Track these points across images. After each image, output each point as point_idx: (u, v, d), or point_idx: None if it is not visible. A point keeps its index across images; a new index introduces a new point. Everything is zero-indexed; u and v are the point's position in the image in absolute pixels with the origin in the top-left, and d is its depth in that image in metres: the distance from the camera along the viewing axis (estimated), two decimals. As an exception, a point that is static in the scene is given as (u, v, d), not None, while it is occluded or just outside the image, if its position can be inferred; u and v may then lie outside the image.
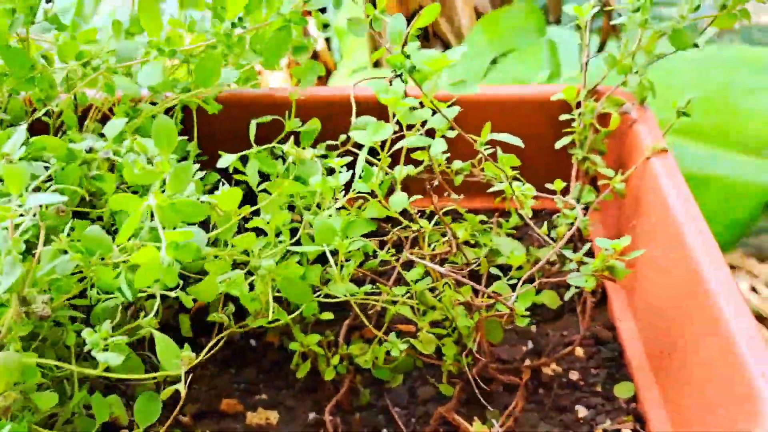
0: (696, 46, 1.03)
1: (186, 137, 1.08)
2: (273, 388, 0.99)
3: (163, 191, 0.75)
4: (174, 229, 0.72)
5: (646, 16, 1.04)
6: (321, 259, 0.89)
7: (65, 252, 0.73)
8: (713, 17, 1.03)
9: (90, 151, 0.83)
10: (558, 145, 1.09)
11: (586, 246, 0.91)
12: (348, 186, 0.88)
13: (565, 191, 1.04)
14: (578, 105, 1.10)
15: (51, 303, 0.70)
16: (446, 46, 2.43)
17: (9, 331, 0.69)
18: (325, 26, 2.66)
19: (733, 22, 1.02)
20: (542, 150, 1.20)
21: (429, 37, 2.41)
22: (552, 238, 1.02)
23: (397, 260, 1.00)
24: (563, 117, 1.09)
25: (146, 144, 0.80)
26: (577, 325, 1.07)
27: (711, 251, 0.87)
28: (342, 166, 0.86)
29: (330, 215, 0.89)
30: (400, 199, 0.83)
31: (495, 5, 2.61)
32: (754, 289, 2.37)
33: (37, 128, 1.03)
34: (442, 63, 0.71)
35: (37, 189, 0.78)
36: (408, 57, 0.69)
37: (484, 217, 1.00)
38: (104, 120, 1.07)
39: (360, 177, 0.82)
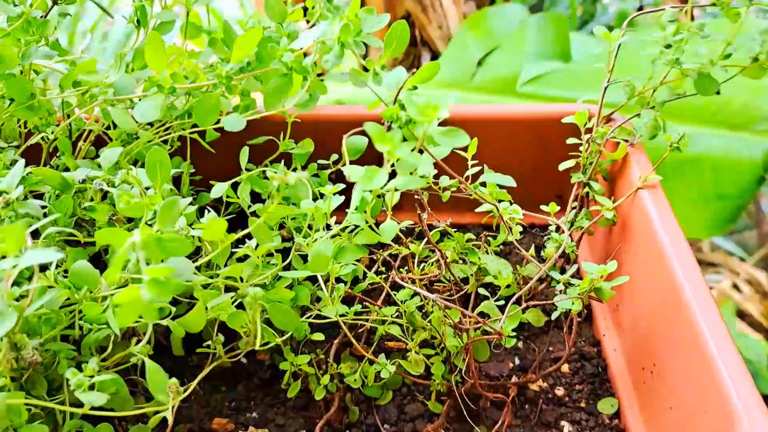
0: (718, 93, 0.99)
1: (179, 157, 1.07)
2: (264, 405, 0.98)
3: (152, 224, 0.75)
4: (161, 261, 0.71)
5: (678, 56, 0.99)
6: (311, 276, 0.88)
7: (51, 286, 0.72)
8: (742, 67, 0.98)
9: (84, 181, 0.82)
10: (562, 167, 1.07)
11: (573, 268, 0.91)
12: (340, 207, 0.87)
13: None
14: (588, 129, 1.08)
15: (41, 348, 0.68)
16: (434, 52, 2.41)
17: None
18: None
19: (764, 74, 0.98)
20: (534, 166, 1.20)
21: (417, 43, 2.39)
22: (541, 258, 1.01)
23: (386, 279, 1.00)
24: (571, 141, 1.08)
25: (140, 176, 0.79)
26: (563, 341, 1.06)
27: (693, 275, 0.86)
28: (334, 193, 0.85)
29: (320, 238, 0.88)
30: (390, 228, 0.82)
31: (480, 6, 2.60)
32: (736, 287, 2.37)
33: (30, 151, 1.02)
34: (434, 111, 0.70)
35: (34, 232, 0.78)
36: (403, 108, 0.68)
37: (471, 235, 0.99)
38: (98, 141, 1.06)
39: (355, 209, 0.80)
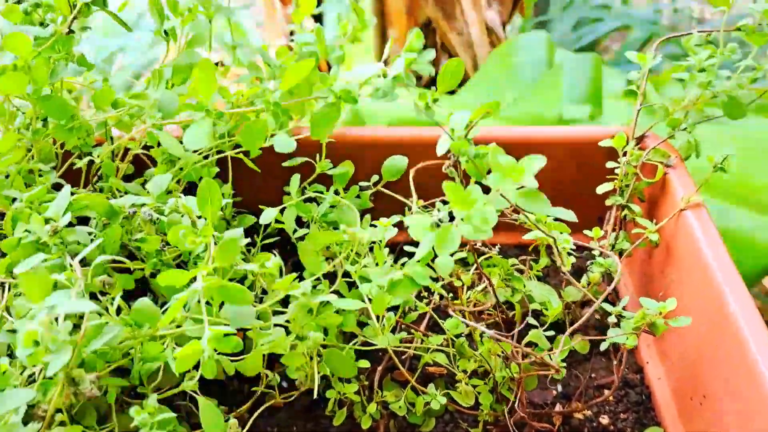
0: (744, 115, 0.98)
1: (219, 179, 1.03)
2: (306, 432, 0.95)
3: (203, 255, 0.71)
4: (222, 305, 0.68)
5: (710, 78, 0.99)
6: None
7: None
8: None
9: (133, 209, 0.78)
10: (600, 190, 1.04)
11: (625, 300, 0.87)
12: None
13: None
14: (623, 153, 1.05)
15: (98, 381, 0.64)
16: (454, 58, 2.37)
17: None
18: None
19: None
20: (571, 188, 1.16)
21: (437, 49, 2.34)
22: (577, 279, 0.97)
23: (428, 303, 0.96)
24: (610, 164, 1.04)
25: (190, 205, 0.75)
26: (605, 367, 1.02)
27: (743, 302, 0.83)
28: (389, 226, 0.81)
29: (368, 264, 0.84)
30: (446, 264, 0.78)
31: (503, 19, 2.55)
32: None
33: (69, 173, 0.98)
34: (519, 174, 0.66)
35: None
36: (470, 142, 0.64)
37: (515, 260, 0.95)
38: (136, 160, 1.02)
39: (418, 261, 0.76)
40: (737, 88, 0.97)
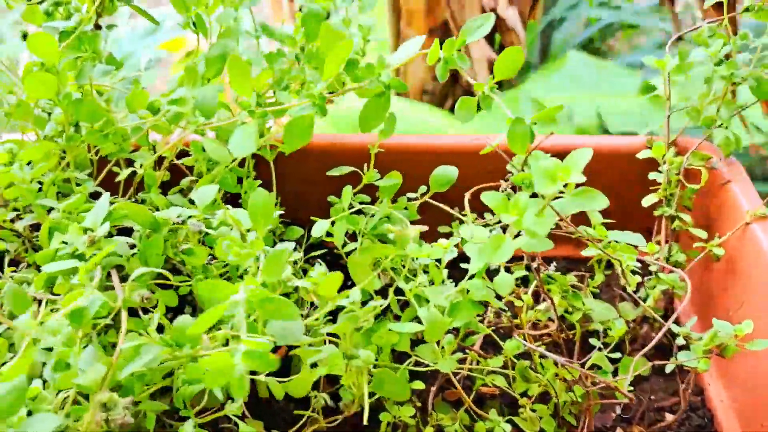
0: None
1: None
2: (353, 455, 0.88)
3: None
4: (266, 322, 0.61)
5: (732, 70, 0.93)
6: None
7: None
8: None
9: (180, 220, 0.72)
10: (645, 202, 0.96)
11: (692, 320, 0.80)
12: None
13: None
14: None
15: (134, 407, 0.58)
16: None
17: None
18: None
19: None
20: (615, 199, 1.09)
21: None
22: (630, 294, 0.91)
23: (481, 321, 0.89)
24: (652, 176, 0.97)
25: (240, 218, 0.69)
26: (664, 388, 0.95)
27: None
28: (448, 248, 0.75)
29: (422, 283, 0.77)
30: (506, 282, 0.71)
31: (524, 20, 2.51)
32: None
33: (106, 180, 0.92)
34: (566, 174, 0.60)
35: (120, 267, 0.68)
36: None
37: (573, 278, 0.89)
38: (173, 168, 0.97)
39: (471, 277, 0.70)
40: (761, 69, 0.92)
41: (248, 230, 0.70)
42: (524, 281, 0.92)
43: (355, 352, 0.68)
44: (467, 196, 0.85)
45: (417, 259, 0.76)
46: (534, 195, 0.63)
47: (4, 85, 0.83)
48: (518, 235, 0.66)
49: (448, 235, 0.90)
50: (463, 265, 0.76)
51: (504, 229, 0.72)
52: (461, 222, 0.98)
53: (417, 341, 0.81)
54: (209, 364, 0.52)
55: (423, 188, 0.97)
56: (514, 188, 0.81)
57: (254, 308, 0.58)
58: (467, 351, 0.85)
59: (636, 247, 0.85)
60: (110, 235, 0.73)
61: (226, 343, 0.62)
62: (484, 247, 0.65)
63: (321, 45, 0.83)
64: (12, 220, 0.86)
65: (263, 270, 0.62)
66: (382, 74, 0.75)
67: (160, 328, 0.67)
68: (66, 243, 0.68)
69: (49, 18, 0.83)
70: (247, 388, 0.54)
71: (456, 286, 0.74)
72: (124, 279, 0.68)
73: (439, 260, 0.74)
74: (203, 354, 0.61)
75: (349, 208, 0.93)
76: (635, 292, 0.99)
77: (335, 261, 1.08)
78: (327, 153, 1.07)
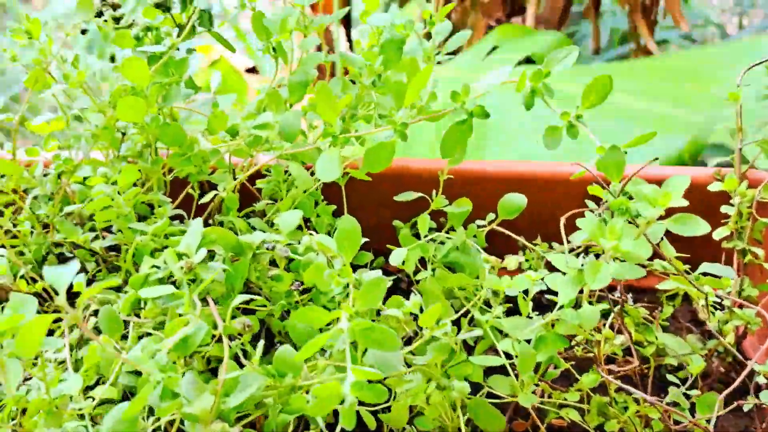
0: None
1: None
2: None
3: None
4: (365, 351, 0.60)
5: None
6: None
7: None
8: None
9: (268, 245, 0.70)
10: (717, 235, 0.94)
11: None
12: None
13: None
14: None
15: (243, 438, 0.57)
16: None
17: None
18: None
19: None
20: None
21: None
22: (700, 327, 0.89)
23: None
24: (724, 209, 0.95)
25: (327, 244, 0.68)
26: (733, 423, 0.93)
27: None
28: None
29: (500, 314, 0.76)
30: (591, 314, 0.70)
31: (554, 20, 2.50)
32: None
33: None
34: (666, 199, 0.59)
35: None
36: (631, 198, 0.57)
37: (644, 311, 0.87)
38: (243, 191, 0.96)
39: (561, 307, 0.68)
40: None
41: (333, 257, 0.69)
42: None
43: (447, 383, 0.67)
44: (562, 220, 0.83)
45: (490, 288, 0.74)
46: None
47: (95, 104, 0.82)
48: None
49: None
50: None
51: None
52: (528, 250, 0.97)
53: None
54: (317, 393, 0.51)
55: (491, 215, 0.96)
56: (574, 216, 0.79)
57: (355, 337, 0.57)
58: (539, 383, 0.83)
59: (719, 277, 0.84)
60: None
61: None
62: (579, 274, 0.63)
63: (401, 71, 0.82)
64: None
65: (360, 298, 0.60)
66: (466, 102, 0.74)
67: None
68: (157, 267, 0.67)
69: (138, 43, 0.82)
70: (354, 420, 0.53)
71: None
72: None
73: (526, 291, 0.73)
74: (304, 384, 0.60)
75: (414, 235, 0.91)
76: (698, 323, 0.97)
77: (396, 286, 1.07)
78: (397, 178, 1.06)
